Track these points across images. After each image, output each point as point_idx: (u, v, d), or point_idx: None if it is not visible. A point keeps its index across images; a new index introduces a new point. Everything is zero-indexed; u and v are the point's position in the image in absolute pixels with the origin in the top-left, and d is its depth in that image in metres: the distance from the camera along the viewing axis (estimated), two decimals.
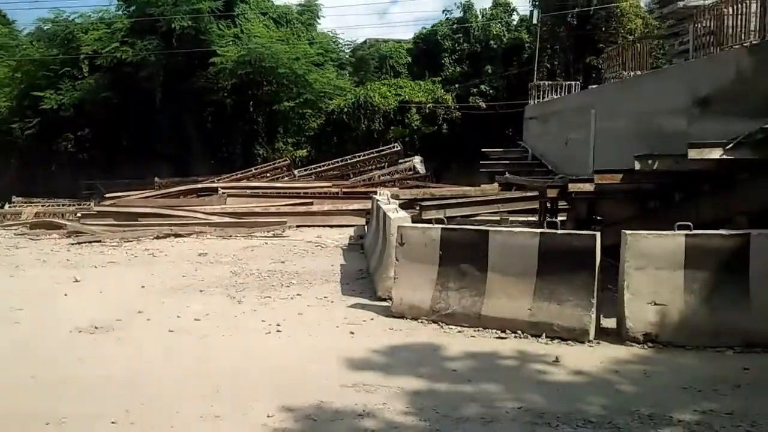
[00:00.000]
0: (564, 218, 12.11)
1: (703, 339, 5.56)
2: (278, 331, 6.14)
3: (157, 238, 12.57)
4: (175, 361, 5.26)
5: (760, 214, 6.71)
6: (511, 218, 13.46)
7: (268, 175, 22.66)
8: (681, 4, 9.19)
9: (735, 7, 7.32)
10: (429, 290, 6.57)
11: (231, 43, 25.95)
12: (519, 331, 6.03)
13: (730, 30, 7.46)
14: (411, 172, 22.24)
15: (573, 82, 14.83)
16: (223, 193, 17.27)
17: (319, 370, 5.00)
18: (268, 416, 4.10)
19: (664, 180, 7.71)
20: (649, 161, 6.75)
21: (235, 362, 5.24)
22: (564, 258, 5.98)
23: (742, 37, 7.06)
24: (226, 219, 13.82)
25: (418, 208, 13.07)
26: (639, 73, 10.00)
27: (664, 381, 4.80)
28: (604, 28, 24.63)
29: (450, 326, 6.26)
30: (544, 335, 5.90)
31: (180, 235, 12.85)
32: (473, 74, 28.70)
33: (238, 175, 22.13)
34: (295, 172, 22.94)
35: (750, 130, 6.16)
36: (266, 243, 12.16)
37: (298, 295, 7.69)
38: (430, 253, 6.64)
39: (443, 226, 6.77)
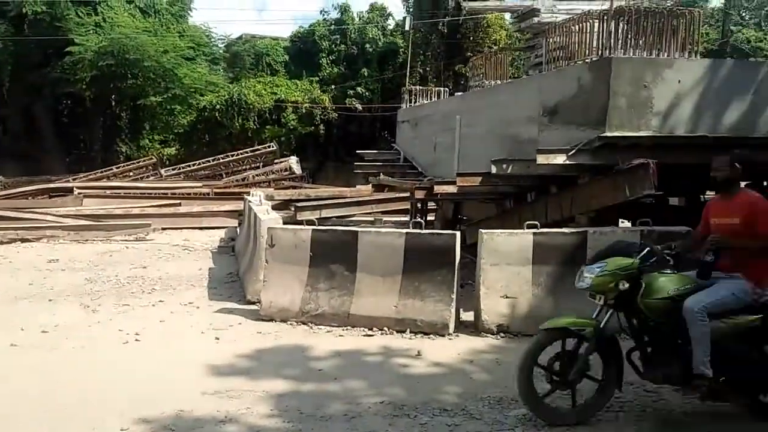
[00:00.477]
0: (433, 218, 12.73)
1: None
2: (137, 340, 5.82)
3: (0, 243, 11.37)
4: (15, 380, 4.79)
5: (598, 212, 7.47)
6: (384, 218, 13.82)
7: (132, 174, 21.36)
8: (536, 19, 9.93)
9: (581, 25, 8.01)
10: (299, 292, 6.57)
11: (91, 32, 24.12)
12: (386, 328, 6.23)
13: (577, 46, 8.14)
14: (287, 173, 22.02)
15: (442, 88, 15.48)
16: (80, 193, 15.95)
17: (180, 379, 4.81)
18: (121, 430, 3.88)
19: (519, 182, 8.31)
20: (504, 165, 7.25)
21: (87, 376, 4.89)
22: (427, 256, 6.28)
23: (586, 53, 7.73)
24: (82, 222, 12.79)
25: (293, 209, 13.00)
26: (500, 82, 10.68)
27: (513, 368, 5.18)
28: (472, 38, 25.99)
29: (319, 327, 6.31)
30: (408, 331, 6.15)
31: (28, 240, 11.71)
32: (350, 76, 29.01)
33: (98, 174, 20.63)
34: (162, 171, 21.80)
35: (589, 138, 6.82)
36: (127, 247, 11.44)
37: (160, 301, 7.33)
38: (300, 255, 6.64)
39: (314, 227, 6.80)
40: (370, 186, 14.15)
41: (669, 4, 8.12)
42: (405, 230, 6.65)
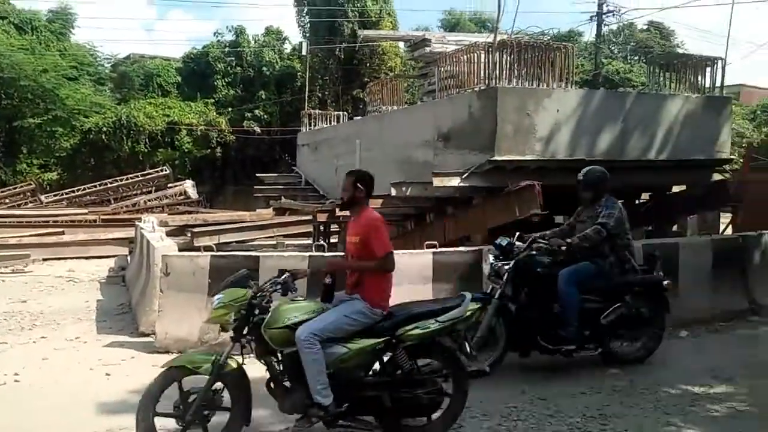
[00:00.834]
0: (336, 240, 12.80)
1: None
2: (16, 381, 5.34)
3: None
4: None
5: (491, 230, 7.90)
6: (287, 242, 13.68)
7: (8, 201, 19.65)
8: (427, 49, 10.38)
9: (469, 56, 8.50)
10: (197, 321, 6.33)
11: None
12: None
13: (466, 75, 8.61)
14: (182, 197, 21.20)
15: (341, 113, 15.72)
16: None
17: (67, 421, 4.48)
18: None
19: (418, 204, 8.60)
20: (403, 188, 7.49)
21: None
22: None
23: (475, 82, 8.21)
24: None
25: (189, 234, 12.55)
26: (396, 107, 11.04)
27: None
28: (368, 64, 26.59)
29: None
30: None
31: None
32: (247, 98, 28.61)
33: None
34: (42, 197, 20.22)
35: (480, 161, 7.24)
36: (3, 280, 10.49)
37: (42, 338, 6.77)
38: (198, 282, 6.43)
39: (212, 253, 6.63)
40: (271, 209, 13.98)
41: (547, 39, 8.79)
42: (308, 253, 6.65)
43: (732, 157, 9.43)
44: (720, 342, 6.55)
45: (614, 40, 35.09)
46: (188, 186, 21.82)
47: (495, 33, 7.74)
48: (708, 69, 9.29)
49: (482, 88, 7.53)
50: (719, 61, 9.28)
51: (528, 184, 7.02)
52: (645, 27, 36.93)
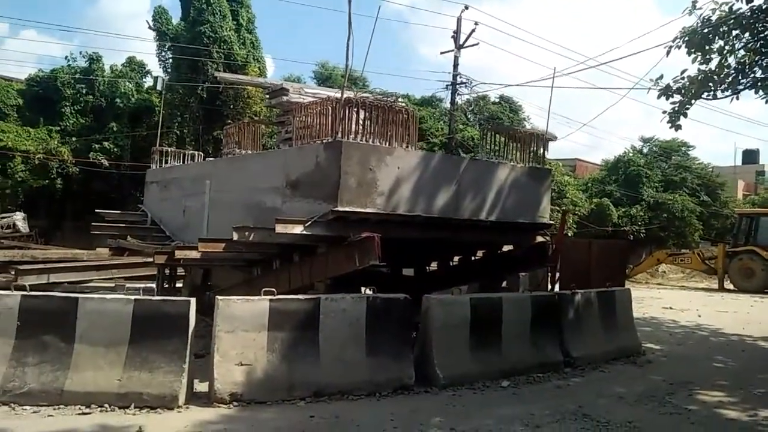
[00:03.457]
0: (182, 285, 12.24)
1: (282, 393, 6.24)
2: None
3: None
4: None
5: (335, 280, 8.07)
6: (128, 285, 12.84)
7: None
8: (285, 98, 10.57)
9: (320, 108, 8.79)
10: (1, 367, 5.73)
11: None
12: (107, 405, 5.75)
13: (318, 127, 8.87)
14: (10, 231, 19.15)
15: (196, 152, 15.30)
16: None
17: None
18: None
19: (264, 250, 8.56)
20: (246, 233, 7.45)
21: None
22: (158, 324, 6.04)
23: (324, 135, 8.48)
24: None
25: (13, 272, 11.37)
26: (251, 151, 11.03)
27: None
28: (232, 106, 26.34)
29: (24, 407, 5.57)
30: (133, 406, 5.76)
31: None
32: (97, 129, 26.86)
33: None
34: None
35: (324, 211, 7.44)
36: None
37: None
38: (5, 324, 5.84)
39: (23, 292, 6.06)
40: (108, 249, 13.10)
41: (392, 100, 9.40)
42: (134, 296, 6.33)
43: (551, 222, 10.54)
44: (536, 392, 7.15)
45: (471, 109, 38.07)
46: (18, 218, 19.85)
47: (342, 89, 8.13)
48: (534, 142, 10.43)
49: (328, 140, 7.81)
50: (543, 136, 10.48)
51: (368, 235, 7.31)
52: (497, 100, 40.64)
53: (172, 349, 5.99)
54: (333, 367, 6.53)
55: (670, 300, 16.35)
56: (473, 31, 24.34)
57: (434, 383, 6.94)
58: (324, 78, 36.08)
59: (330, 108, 8.27)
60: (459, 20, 24.63)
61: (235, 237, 7.40)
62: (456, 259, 11.28)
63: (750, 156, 49.64)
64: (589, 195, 31.42)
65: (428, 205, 8.31)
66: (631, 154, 34.98)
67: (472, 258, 11.11)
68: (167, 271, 12.11)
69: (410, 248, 9.66)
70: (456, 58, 25.21)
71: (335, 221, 7.54)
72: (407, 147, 8.11)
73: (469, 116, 38.14)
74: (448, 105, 31.27)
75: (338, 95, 8.18)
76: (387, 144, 7.92)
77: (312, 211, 7.65)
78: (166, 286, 11.96)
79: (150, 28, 27.95)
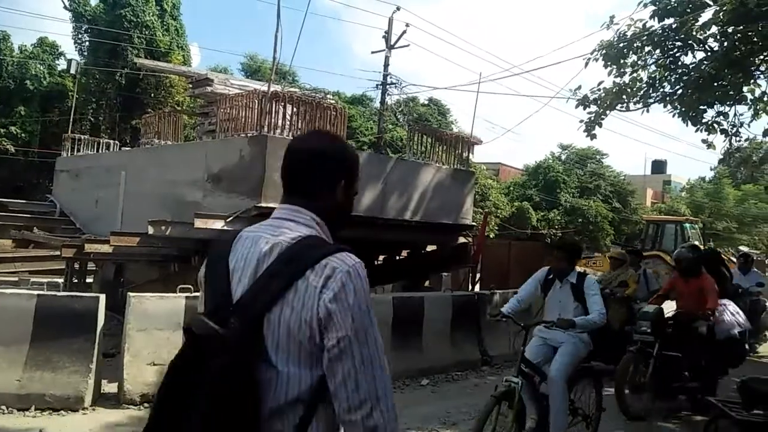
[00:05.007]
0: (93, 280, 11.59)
1: None
2: None
3: None
4: None
5: None
6: (32, 279, 12.07)
7: None
8: (209, 89, 10.25)
9: (247, 101, 8.59)
10: None
11: None
12: (5, 407, 5.36)
13: (244, 120, 8.66)
14: None
15: (112, 141, 14.57)
16: None
17: None
18: None
19: (182, 245, 8.25)
20: (163, 227, 7.15)
21: None
22: (64, 322, 5.67)
23: (249, 128, 8.29)
24: None
25: None
26: (170, 142, 10.62)
27: None
28: (153, 95, 25.27)
29: None
30: (33, 408, 5.39)
31: None
32: (3, 113, 25.02)
33: None
34: None
35: (247, 206, 7.26)
36: None
37: None
38: None
39: None
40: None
41: (320, 96, 9.33)
42: (37, 292, 5.92)
43: (474, 223, 10.82)
44: (454, 390, 7.26)
45: (400, 109, 38.43)
46: None
47: (269, 83, 7.99)
48: (459, 145, 10.65)
49: (254, 134, 7.64)
50: (468, 140, 10.73)
51: None
52: (426, 102, 41.25)
53: (79, 348, 5.65)
54: None
55: None
56: (404, 32, 24.55)
57: None
58: (253, 70, 35.35)
59: (256, 101, 8.10)
60: (390, 21, 24.78)
61: (151, 231, 7.09)
62: (380, 258, 11.34)
63: (659, 166, 52.96)
64: (511, 198, 32.49)
65: (355, 204, 8.29)
66: (550, 161, 36.49)
67: (397, 257, 11.21)
68: (76, 266, 11.46)
69: None
70: (387, 58, 25.33)
71: (258, 217, 7.37)
72: None
73: (398, 117, 38.54)
74: (378, 104, 31.46)
75: (265, 88, 8.01)
76: None
77: (234, 206, 7.45)
78: (75, 281, 11.31)
79: (65, 8, 26.38)
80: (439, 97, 42.05)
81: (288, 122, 7.82)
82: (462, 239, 10.63)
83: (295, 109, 8.11)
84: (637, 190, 39.65)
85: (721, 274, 7.42)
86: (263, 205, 7.21)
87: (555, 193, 33.37)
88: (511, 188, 34.58)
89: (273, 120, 7.61)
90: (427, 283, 11.30)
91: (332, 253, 1.40)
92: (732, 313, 6.54)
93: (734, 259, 22.99)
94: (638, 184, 41.55)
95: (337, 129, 8.13)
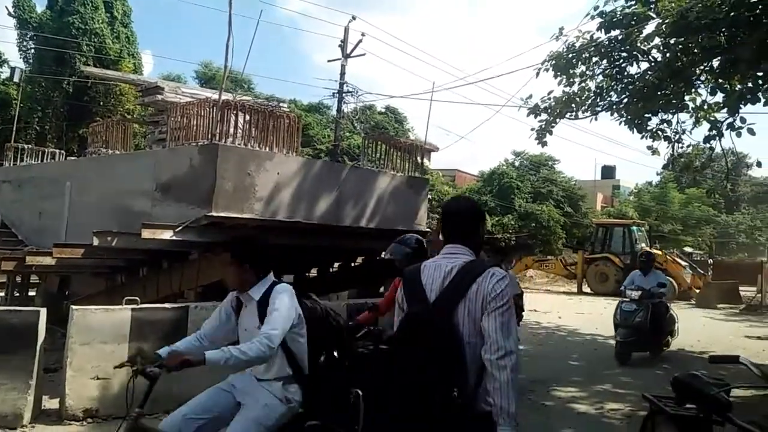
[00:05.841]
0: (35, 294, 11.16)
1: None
2: None
3: None
4: None
5: (206, 287, 7.74)
6: None
7: None
8: (159, 97, 10.05)
9: (198, 110, 8.45)
10: None
11: None
12: None
13: (195, 129, 8.51)
14: None
15: (58, 151, 14.10)
16: None
17: None
18: None
19: (130, 256, 8.04)
20: (108, 238, 6.95)
21: None
22: (1, 338, 5.44)
23: (201, 137, 8.16)
24: None
25: None
26: (118, 152, 10.34)
27: None
28: (102, 103, 24.60)
29: None
30: None
31: None
32: None
33: None
34: None
35: (197, 216, 7.12)
36: None
37: None
38: None
39: None
40: None
41: (273, 105, 9.27)
42: None
43: (428, 230, 10.89)
44: None
45: (357, 117, 38.48)
46: None
47: (220, 91, 7.88)
48: (415, 153, 10.73)
49: (205, 143, 7.52)
50: (422, 147, 10.83)
51: None
52: (383, 110, 41.46)
53: (18, 363, 5.41)
54: (199, 379, 6.22)
55: (534, 303, 17.43)
56: (360, 41, 24.69)
57: None
58: (207, 78, 34.85)
59: (208, 110, 7.98)
60: (346, 30, 24.87)
61: (96, 242, 6.88)
62: (336, 265, 11.30)
63: (608, 172, 54.56)
64: None
65: (309, 212, 8.25)
66: (504, 167, 37.17)
67: (352, 264, 11.18)
68: (18, 279, 11.02)
69: (290, 255, 9.53)
70: (343, 67, 25.39)
71: (209, 227, 7.25)
72: (288, 153, 8.00)
73: (355, 125, 38.60)
74: (335, 113, 31.43)
75: (215, 96, 7.90)
76: (267, 149, 7.76)
77: (184, 215, 7.30)
78: (17, 294, 10.88)
79: (10, 14, 25.44)
80: (396, 105, 42.43)
81: (240, 131, 7.73)
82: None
83: (247, 118, 8.02)
84: (588, 195, 40.73)
85: None
86: (214, 214, 7.09)
87: (509, 199, 33.97)
88: (467, 194, 35.03)
89: (225, 128, 7.51)
90: (381, 289, 11.29)
91: (488, 267, 2.41)
92: None
93: (681, 261, 24.00)
94: (589, 189, 42.70)
95: (292, 137, 8.08)
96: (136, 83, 13.40)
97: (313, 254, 10.32)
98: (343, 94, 25.96)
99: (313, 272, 11.74)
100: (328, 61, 26.27)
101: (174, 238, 6.94)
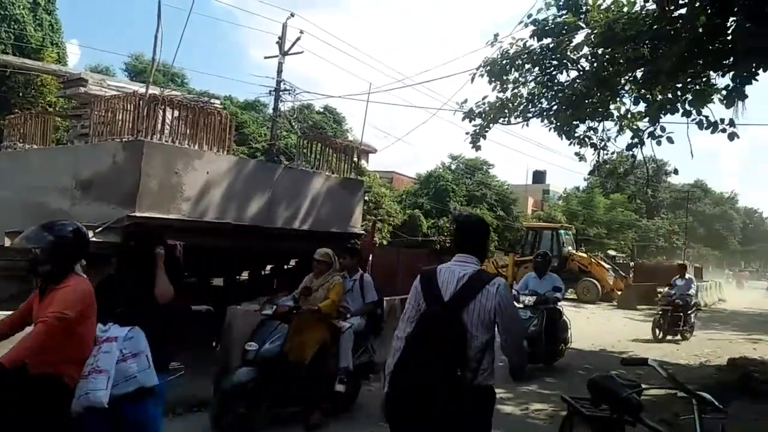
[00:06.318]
0: None
1: None
2: None
3: None
4: None
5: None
6: None
7: None
8: (83, 89, 9.54)
9: (123, 104, 8.07)
10: None
11: None
12: None
13: (120, 124, 8.13)
14: None
15: None
16: None
17: None
18: None
19: None
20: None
21: None
22: None
23: (127, 132, 7.79)
24: None
25: None
26: (35, 146, 9.74)
27: None
28: (21, 94, 23.16)
29: None
30: None
31: None
32: None
33: None
34: None
35: (119, 216, 6.78)
36: None
37: None
38: None
39: None
40: None
41: (204, 101, 8.99)
42: None
43: (363, 231, 10.87)
44: None
45: (294, 116, 38.03)
46: None
47: (147, 85, 7.56)
48: (351, 153, 10.67)
49: (129, 139, 7.18)
50: (359, 148, 10.79)
51: (170, 243, 6.81)
52: (321, 110, 41.16)
53: None
54: None
55: None
56: (298, 38, 24.36)
57: None
58: (138, 71, 33.53)
59: (134, 104, 7.63)
60: (284, 26, 24.49)
61: (8, 243, 6.42)
62: (268, 268, 11.08)
63: (539, 176, 56.45)
64: (404, 206, 33.16)
65: (240, 213, 8.03)
66: (441, 170, 37.73)
67: (285, 267, 11.00)
68: None
69: (220, 257, 9.26)
70: (280, 64, 24.98)
71: (133, 227, 6.91)
72: (219, 151, 7.76)
73: (293, 124, 38.11)
74: (272, 111, 30.87)
75: (142, 90, 7.57)
76: (197, 147, 7.49)
77: (106, 215, 6.94)
78: None
79: None
80: (334, 105, 42.22)
81: (169, 127, 7.43)
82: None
83: (177, 114, 7.72)
84: (520, 199, 41.95)
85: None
86: (138, 214, 6.77)
87: (445, 201, 34.49)
88: (404, 196, 35.32)
89: (152, 124, 7.20)
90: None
91: (495, 277, 3.06)
92: None
93: (605, 264, 25.08)
94: (520, 193, 43.99)
95: (224, 135, 7.85)
96: (58, 74, 12.69)
97: (245, 256, 10.08)
98: (281, 92, 25.55)
99: (245, 275, 11.48)
100: (265, 57, 25.81)
101: (94, 239, 6.57)
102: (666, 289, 14.56)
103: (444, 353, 2.84)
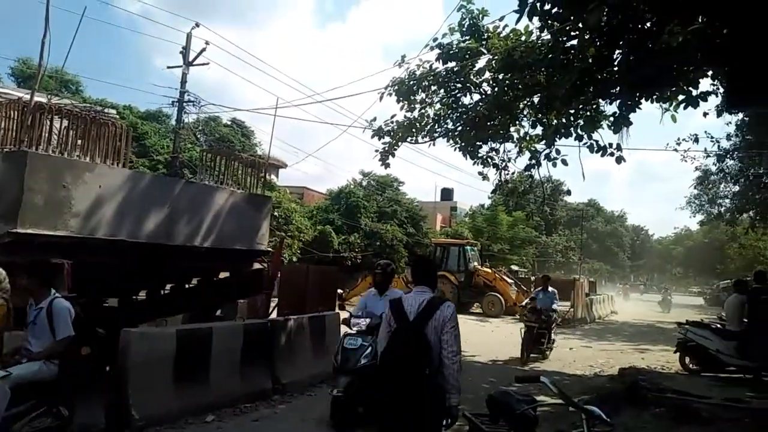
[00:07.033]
0: None
1: None
2: None
3: None
4: None
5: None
6: None
7: None
8: None
9: (6, 112, 7.46)
10: None
11: None
12: None
13: (3, 133, 7.50)
14: None
15: None
16: None
17: None
18: None
19: None
20: None
21: None
22: None
23: (9, 142, 7.20)
24: None
25: None
26: None
27: None
28: None
29: None
30: None
31: None
32: None
33: None
34: None
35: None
36: None
37: None
38: None
39: None
40: None
41: (98, 110, 8.50)
42: None
43: (270, 249, 10.63)
44: (240, 424, 6.89)
45: (200, 129, 36.81)
46: None
47: (32, 93, 7.03)
48: (258, 168, 10.44)
49: (11, 149, 6.62)
50: (266, 163, 10.59)
51: (58, 262, 6.34)
52: (228, 122, 40.15)
53: None
54: None
55: None
56: (203, 49, 23.66)
57: (129, 426, 6.25)
58: (26, 77, 31.25)
59: (16, 112, 7.06)
60: (189, 36, 23.72)
61: None
62: (168, 287, 10.56)
63: (447, 194, 58.03)
64: (314, 222, 32.91)
65: (135, 229, 7.61)
66: (352, 186, 37.89)
67: (186, 286, 10.53)
68: None
69: (114, 276, 8.71)
70: (184, 74, 24.12)
71: (14, 245, 6.36)
72: (114, 164, 7.33)
73: (198, 136, 36.87)
74: (174, 122, 29.71)
75: (26, 97, 7.02)
76: (89, 159, 7.03)
77: None
78: None
79: None
80: (243, 119, 41.35)
81: (57, 138, 6.93)
82: (257, 265, 10.38)
83: (66, 124, 7.22)
84: (429, 216, 42.92)
85: None
86: (20, 230, 6.24)
87: (356, 218, 34.61)
88: (315, 212, 35.08)
89: (37, 134, 6.68)
90: (218, 312, 10.76)
91: (444, 302, 4.11)
92: None
93: (508, 279, 26.08)
94: (429, 209, 45.03)
95: (119, 146, 7.42)
96: None
97: (142, 275, 9.55)
98: (185, 103, 24.66)
99: (142, 295, 10.88)
100: (168, 67, 24.87)
101: None
102: (527, 301, 13.89)
103: (414, 358, 3.85)
